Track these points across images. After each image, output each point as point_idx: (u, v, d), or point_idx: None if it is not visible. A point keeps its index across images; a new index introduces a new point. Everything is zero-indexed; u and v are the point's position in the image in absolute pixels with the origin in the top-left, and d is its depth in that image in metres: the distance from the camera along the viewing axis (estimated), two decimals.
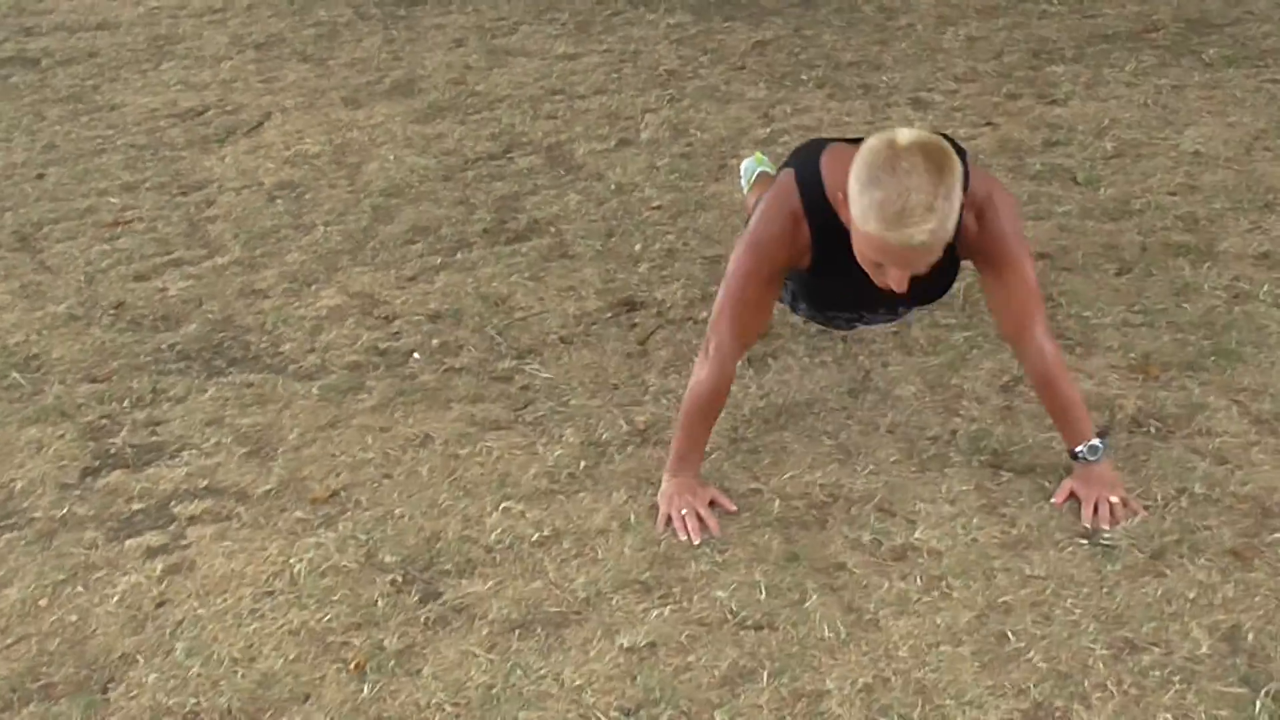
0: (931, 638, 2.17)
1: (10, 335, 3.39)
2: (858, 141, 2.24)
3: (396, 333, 3.28)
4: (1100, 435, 2.51)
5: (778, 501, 2.53)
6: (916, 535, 2.41)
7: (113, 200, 4.30)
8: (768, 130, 4.51)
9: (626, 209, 3.95)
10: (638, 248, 3.67)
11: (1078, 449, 2.48)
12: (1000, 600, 2.25)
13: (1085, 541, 2.37)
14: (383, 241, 3.84)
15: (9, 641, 2.29)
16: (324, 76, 5.55)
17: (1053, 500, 2.49)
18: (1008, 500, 2.50)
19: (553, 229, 3.84)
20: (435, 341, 3.22)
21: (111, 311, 3.51)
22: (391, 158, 4.53)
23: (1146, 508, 2.45)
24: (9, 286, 3.69)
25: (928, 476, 2.58)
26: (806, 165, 2.38)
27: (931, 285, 2.45)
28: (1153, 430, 2.69)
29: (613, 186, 4.14)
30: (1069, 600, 2.23)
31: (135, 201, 4.28)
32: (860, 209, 2.12)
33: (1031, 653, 2.13)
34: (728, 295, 2.40)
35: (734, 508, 2.51)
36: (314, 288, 3.55)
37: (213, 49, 6.07)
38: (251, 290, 3.57)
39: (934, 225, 2.10)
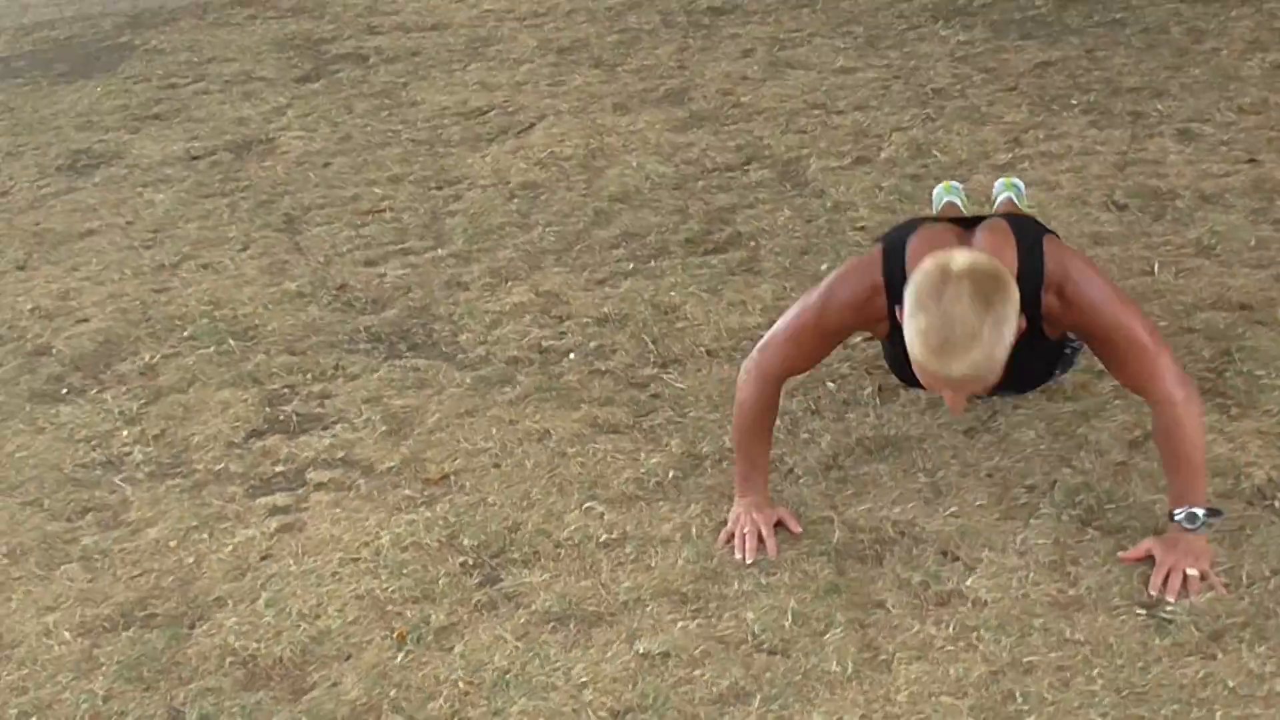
0: (936, 687, 2.16)
1: (242, 306, 3.83)
2: (958, 223, 2.27)
3: (563, 332, 3.48)
4: (1209, 511, 2.39)
5: (843, 532, 2.56)
6: (969, 583, 2.39)
7: (376, 191, 4.72)
8: (1009, 155, 4.42)
9: (832, 228, 4.00)
10: (824, 267, 3.71)
11: (1176, 512, 2.38)
12: (1026, 659, 2.21)
13: (1143, 611, 2.28)
14: (590, 245, 4.05)
15: (135, 573, 2.65)
16: (607, 82, 5.84)
17: (1120, 555, 2.39)
18: (1080, 558, 2.43)
19: (751, 243, 3.94)
20: (593, 344, 3.40)
21: (334, 292, 3.89)
22: (634, 164, 4.73)
23: (1228, 586, 2.31)
24: (260, 263, 4.15)
25: (1008, 525, 2.54)
26: (895, 241, 2.42)
27: (1024, 376, 2.44)
28: (1277, 505, 2.53)
29: (829, 204, 4.19)
30: (1097, 670, 2.16)
31: (394, 193, 4.69)
32: (908, 334, 2.16)
33: (1032, 717, 2.09)
34: (783, 331, 2.47)
35: (799, 530, 2.56)
36: (510, 284, 3.80)
37: (519, 52, 6.48)
38: (456, 282, 3.86)
39: (978, 357, 2.10)
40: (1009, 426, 2.85)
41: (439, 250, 4.12)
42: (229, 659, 2.40)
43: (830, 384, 3.07)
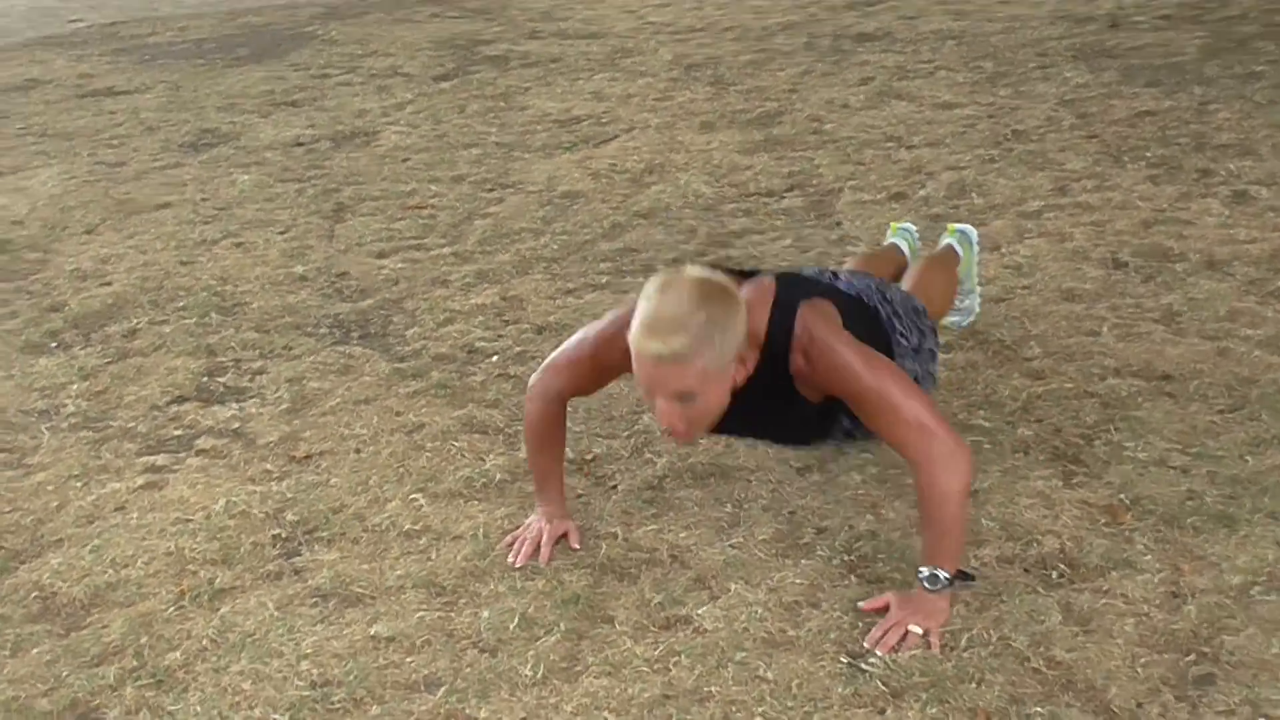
0: (607, 703, 2.27)
1: (245, 284, 4.20)
2: (739, 274, 2.47)
3: (501, 336, 3.69)
4: (961, 574, 2.42)
5: (618, 549, 2.68)
6: (701, 610, 2.48)
7: (431, 188, 5.04)
8: (1041, 204, 4.38)
9: (821, 260, 4.06)
10: None
11: (921, 570, 2.42)
12: (706, 689, 2.29)
13: (846, 660, 2.33)
14: (585, 256, 4.24)
15: (6, 509, 3.01)
16: (711, 100, 6.00)
17: (860, 604, 2.44)
18: (824, 601, 2.48)
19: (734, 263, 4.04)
20: (518, 349, 3.59)
21: (332, 279, 4.21)
22: (681, 182, 4.89)
23: (946, 647, 2.33)
24: (286, 246, 4.52)
25: (777, 562, 2.61)
26: None
27: (772, 424, 2.58)
28: (1052, 577, 2.51)
29: (835, 237, 4.26)
30: (764, 709, 2.23)
31: (446, 192, 4.99)
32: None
33: None
34: (561, 357, 2.63)
35: (577, 545, 2.70)
36: (484, 286, 4.03)
37: (649, 65, 6.72)
38: (441, 280, 4.13)
39: (677, 343, 2.22)
40: (841, 469, 2.90)
41: (446, 249, 4.38)
42: (34, 593, 2.71)
43: None
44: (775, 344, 2.42)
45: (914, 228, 3.60)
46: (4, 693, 2.43)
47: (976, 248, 3.51)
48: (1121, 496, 2.72)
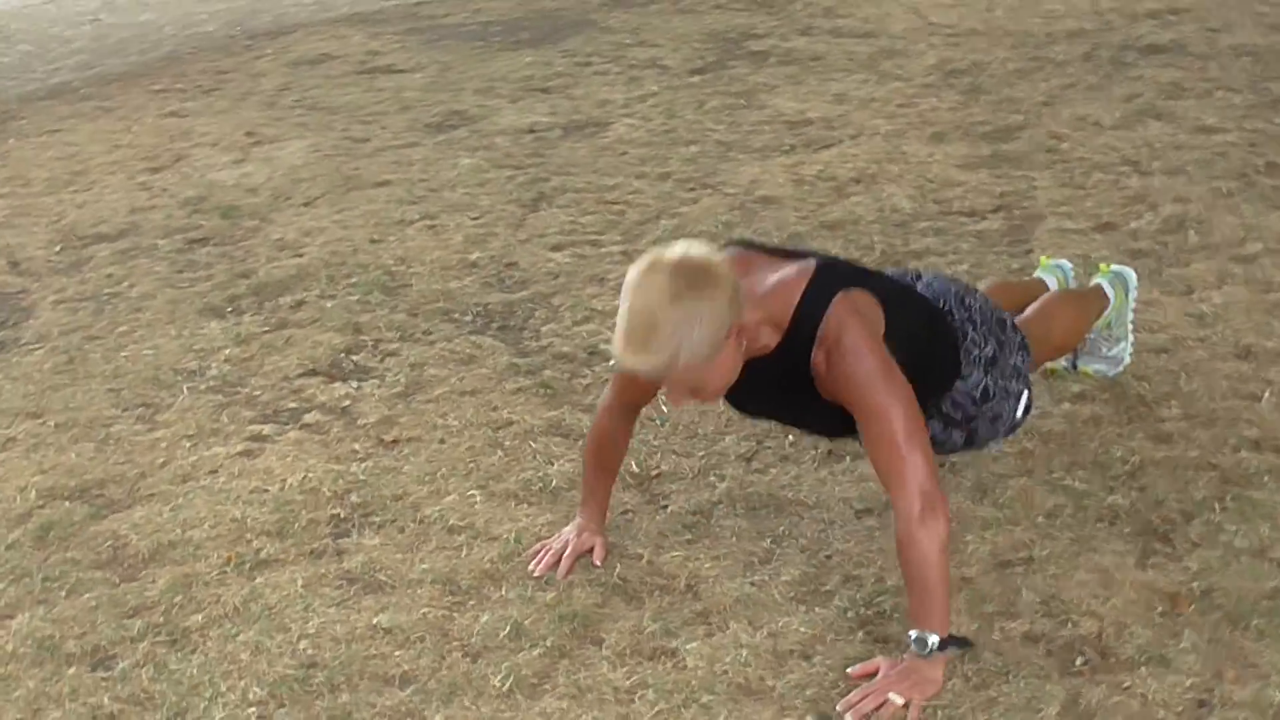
0: None
1: (418, 266, 4.38)
2: (782, 254, 2.44)
3: None
4: (953, 640, 2.31)
5: (637, 571, 2.68)
6: (691, 645, 2.45)
7: (634, 184, 5.10)
8: (1260, 247, 4.06)
9: None
10: None
11: (910, 633, 2.33)
12: None
13: (811, 719, 2.26)
14: None
15: (122, 460, 3.27)
16: (955, 110, 5.82)
17: (850, 670, 2.36)
18: (818, 657, 2.41)
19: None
20: None
21: (502, 268, 4.35)
22: (884, 195, 4.78)
23: None
24: (473, 232, 4.68)
25: (791, 607, 2.56)
26: None
27: (798, 416, 2.54)
28: (1074, 664, 2.35)
29: (1015, 266, 4.08)
30: None
31: (647, 189, 5.05)
32: None
33: None
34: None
35: (598, 563, 2.71)
36: (617, 287, 4.06)
37: (908, 69, 6.55)
38: (600, 278, 4.19)
39: (654, 362, 2.20)
40: None
41: (618, 247, 4.44)
42: (108, 542, 2.94)
43: (788, 437, 3.11)
44: (799, 332, 2.33)
45: (1069, 265, 3.39)
46: (43, 630, 2.65)
47: (1134, 292, 3.28)
48: (1194, 585, 2.51)
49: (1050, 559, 2.61)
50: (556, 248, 4.50)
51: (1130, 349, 3.29)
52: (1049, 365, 3.16)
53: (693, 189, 5.01)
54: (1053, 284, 3.27)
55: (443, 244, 4.58)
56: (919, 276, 2.74)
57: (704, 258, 2.23)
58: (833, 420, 2.43)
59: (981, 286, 3.19)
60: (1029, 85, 6.11)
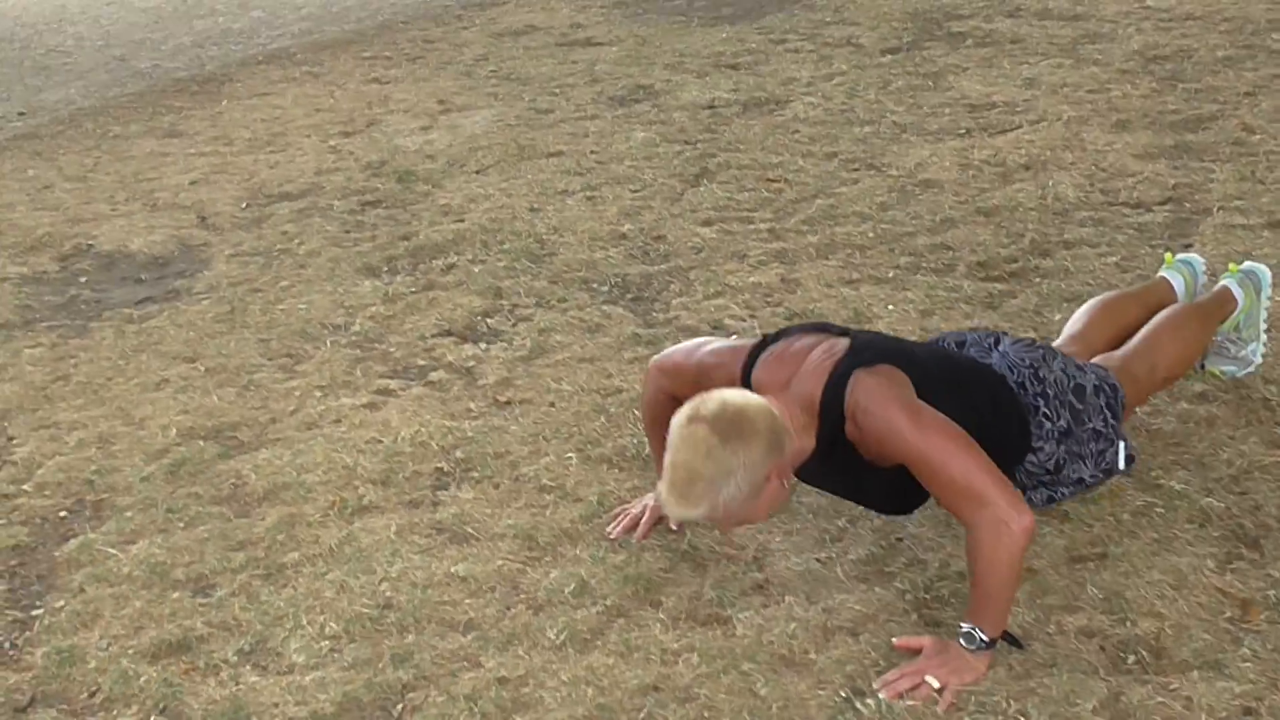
0: (598, 682, 2.40)
1: (568, 235, 4.53)
2: (824, 330, 2.52)
3: (755, 316, 3.80)
4: (1006, 636, 2.35)
5: (712, 541, 2.76)
6: (744, 614, 2.53)
7: (799, 163, 5.14)
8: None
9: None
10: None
11: (963, 625, 2.36)
12: (692, 689, 2.36)
13: (846, 693, 2.32)
14: (897, 248, 4.23)
15: (256, 406, 3.51)
16: (1147, 98, 5.66)
17: (895, 640, 2.40)
18: (865, 634, 2.46)
19: (1037, 280, 3.91)
20: (761, 331, 3.69)
21: (650, 241, 4.46)
22: (1049, 183, 4.71)
23: (956, 706, 2.27)
24: (629, 203, 4.80)
25: (854, 585, 2.60)
26: (766, 342, 2.60)
27: (859, 493, 2.60)
28: (1126, 662, 2.35)
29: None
30: None
31: (811, 168, 5.09)
32: None
33: None
34: (682, 350, 2.78)
35: (675, 528, 2.81)
36: (776, 266, 4.13)
37: (1109, 55, 6.39)
38: (741, 254, 4.26)
39: (697, 512, 2.31)
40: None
41: (766, 224, 4.50)
42: (231, 480, 3.18)
43: None
44: (829, 414, 2.41)
45: (1201, 261, 3.30)
46: (158, 556, 2.90)
47: (1268, 290, 3.19)
48: (1271, 593, 2.45)
49: (1125, 556, 2.58)
50: (706, 223, 4.58)
51: (1262, 350, 3.19)
52: None
53: (856, 169, 5.02)
54: (1178, 284, 3.19)
55: (597, 215, 4.71)
56: (997, 343, 2.72)
57: (741, 406, 2.32)
58: (892, 485, 2.47)
59: (1091, 304, 3.12)
60: (1233, 74, 5.89)
